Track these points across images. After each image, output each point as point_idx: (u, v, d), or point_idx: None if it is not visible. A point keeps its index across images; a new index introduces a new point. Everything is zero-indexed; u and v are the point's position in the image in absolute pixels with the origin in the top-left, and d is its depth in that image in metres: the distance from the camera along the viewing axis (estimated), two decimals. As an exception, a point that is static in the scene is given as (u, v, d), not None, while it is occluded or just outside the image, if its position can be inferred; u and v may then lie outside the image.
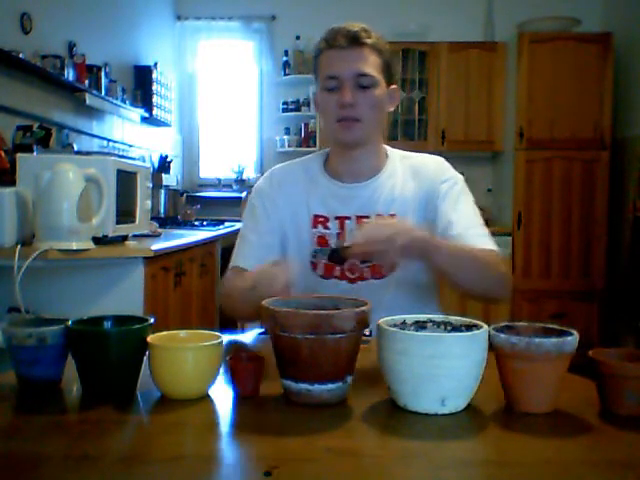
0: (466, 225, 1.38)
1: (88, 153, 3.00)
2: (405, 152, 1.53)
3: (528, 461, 0.73)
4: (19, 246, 1.89)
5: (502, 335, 0.88)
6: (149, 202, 2.57)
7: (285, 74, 4.90)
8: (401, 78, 4.71)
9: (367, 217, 1.42)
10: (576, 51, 4.29)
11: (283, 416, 0.89)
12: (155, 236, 2.81)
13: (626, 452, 0.76)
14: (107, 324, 1.00)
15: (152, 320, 0.97)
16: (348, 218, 1.42)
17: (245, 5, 4.97)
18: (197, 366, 0.91)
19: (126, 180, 2.32)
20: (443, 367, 0.84)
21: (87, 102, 3.25)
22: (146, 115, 4.13)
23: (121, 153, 3.76)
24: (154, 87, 4.22)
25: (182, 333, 0.99)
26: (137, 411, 0.92)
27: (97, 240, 2.07)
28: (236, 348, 1.04)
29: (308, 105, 4.84)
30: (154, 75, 4.24)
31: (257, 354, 0.98)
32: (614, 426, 0.83)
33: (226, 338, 0.98)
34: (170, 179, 4.46)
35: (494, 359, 0.89)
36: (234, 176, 5.00)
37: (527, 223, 4.37)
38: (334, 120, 1.37)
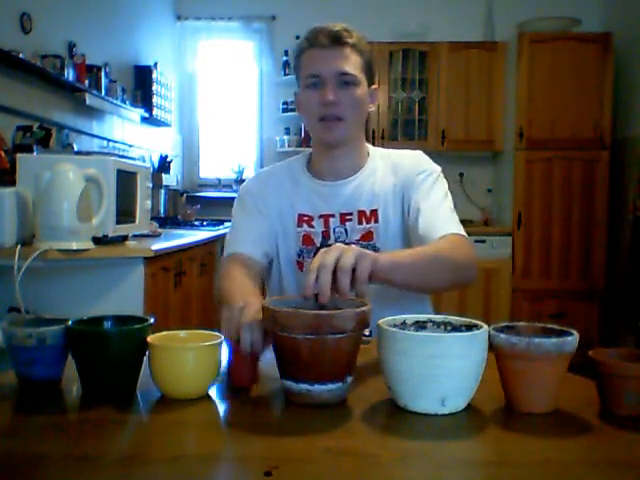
0: (433, 211, 1.37)
1: (88, 153, 3.00)
2: (387, 150, 1.55)
3: (528, 461, 0.73)
4: (19, 246, 1.89)
5: (502, 335, 0.88)
6: (149, 202, 2.57)
7: (285, 74, 4.90)
8: (401, 78, 4.72)
9: (350, 214, 1.43)
10: (576, 51, 4.29)
11: (283, 416, 0.89)
12: (155, 236, 2.81)
13: (626, 452, 0.76)
14: (107, 324, 1.00)
15: (152, 320, 0.97)
16: (332, 216, 1.43)
17: (245, 5, 4.97)
18: (197, 366, 0.91)
19: (126, 180, 2.32)
20: (443, 367, 0.84)
21: (87, 102, 3.25)
22: (146, 115, 4.13)
23: (121, 153, 3.76)
24: (154, 87, 4.22)
25: (182, 333, 0.99)
26: (137, 411, 0.92)
27: (97, 240, 2.07)
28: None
29: (308, 105, 4.83)
30: (154, 75, 4.24)
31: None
32: (614, 426, 0.83)
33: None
34: (170, 179, 4.46)
35: (494, 359, 0.89)
36: (234, 176, 5.00)
37: (527, 223, 4.37)
38: (316, 119, 1.37)
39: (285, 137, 4.96)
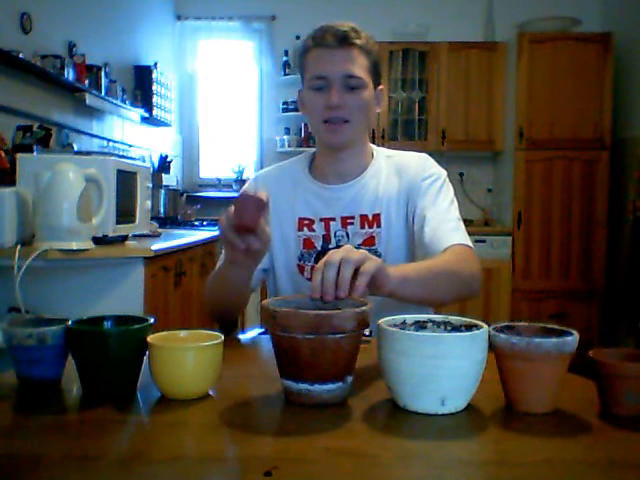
0: (440, 220, 1.35)
1: (88, 153, 3.00)
2: (391, 151, 1.52)
3: (528, 461, 0.73)
4: (19, 246, 1.89)
5: (502, 335, 0.88)
6: (149, 202, 2.57)
7: (285, 74, 4.90)
8: (401, 78, 4.72)
9: (352, 218, 1.41)
10: (576, 51, 4.30)
11: (283, 416, 0.89)
12: (155, 236, 2.81)
13: (626, 452, 0.76)
14: (107, 324, 1.00)
15: (152, 320, 0.96)
16: (333, 219, 1.42)
17: (245, 5, 4.97)
18: (197, 366, 0.91)
19: (126, 180, 2.32)
20: (443, 367, 0.84)
21: (87, 102, 3.25)
22: (146, 115, 4.13)
23: (121, 153, 3.76)
24: (154, 87, 4.22)
25: (182, 333, 0.99)
26: (137, 411, 0.92)
27: (97, 240, 2.07)
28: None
29: (308, 105, 4.84)
30: (154, 75, 4.24)
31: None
32: (614, 426, 0.83)
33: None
34: (170, 179, 4.46)
35: (494, 359, 0.89)
36: (234, 176, 5.00)
37: (527, 223, 4.37)
38: (320, 121, 1.35)
39: (285, 137, 4.96)
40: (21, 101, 2.87)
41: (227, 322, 1.39)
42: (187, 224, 3.96)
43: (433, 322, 0.97)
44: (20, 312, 1.78)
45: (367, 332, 1.16)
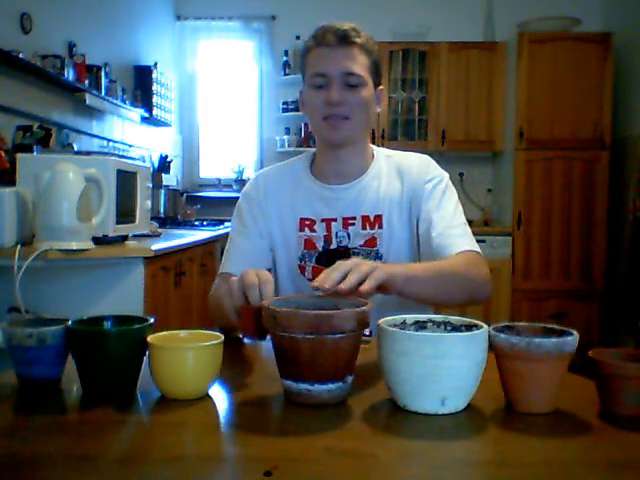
0: (447, 225, 1.36)
1: (88, 153, 3.00)
2: (390, 151, 1.51)
3: (528, 461, 0.73)
4: (19, 246, 1.89)
5: (502, 335, 0.88)
6: (149, 202, 2.57)
7: (285, 74, 4.90)
8: (401, 78, 4.72)
9: (353, 219, 1.41)
10: (576, 51, 4.30)
11: (283, 416, 0.89)
12: (155, 236, 2.81)
13: (626, 452, 0.76)
14: (107, 324, 1.00)
15: (152, 320, 0.96)
16: (334, 220, 1.41)
17: (245, 5, 4.97)
18: (197, 366, 0.91)
19: (126, 180, 2.32)
20: (443, 367, 0.84)
21: (87, 102, 3.25)
22: (146, 115, 4.13)
23: (121, 153, 3.76)
24: (154, 87, 4.22)
25: (182, 333, 0.99)
26: (137, 411, 0.92)
27: (97, 240, 2.07)
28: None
29: (308, 105, 4.83)
30: (154, 75, 4.24)
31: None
32: (614, 426, 0.83)
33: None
34: (170, 179, 4.46)
35: (494, 359, 0.89)
36: (234, 176, 5.00)
37: (527, 223, 4.37)
38: (320, 118, 1.35)
39: (285, 137, 4.96)
40: (21, 101, 2.87)
41: (231, 329, 1.40)
42: (187, 224, 3.96)
43: (433, 322, 0.97)
44: (20, 312, 1.78)
45: (367, 332, 1.16)
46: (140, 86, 4.18)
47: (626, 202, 4.06)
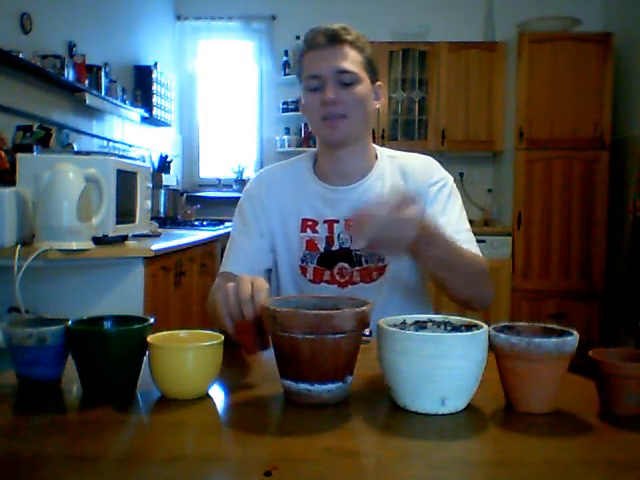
0: (453, 230, 1.35)
1: (88, 153, 3.00)
2: (393, 151, 1.51)
3: (528, 461, 0.73)
4: (19, 246, 1.89)
5: (502, 335, 0.88)
6: (149, 202, 2.57)
7: (285, 74, 4.90)
8: (401, 78, 4.72)
9: None
10: (576, 51, 4.30)
11: (283, 416, 0.89)
12: (155, 236, 2.81)
13: (626, 452, 0.76)
14: (107, 324, 1.00)
15: (152, 320, 0.96)
16: (337, 221, 1.41)
17: (245, 5, 4.97)
18: (197, 366, 0.91)
19: (126, 180, 2.32)
20: (443, 367, 0.84)
21: (87, 102, 3.26)
22: (146, 115, 4.13)
23: (121, 153, 3.76)
24: (154, 87, 4.22)
25: (182, 333, 0.99)
26: (137, 411, 0.92)
27: (97, 240, 2.07)
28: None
29: (308, 105, 4.84)
30: (154, 75, 4.24)
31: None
32: (614, 426, 0.83)
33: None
34: (170, 179, 4.46)
35: (494, 359, 0.89)
36: (234, 176, 5.00)
37: (527, 223, 4.37)
38: (319, 119, 1.35)
39: (285, 137, 4.96)
40: (21, 101, 2.87)
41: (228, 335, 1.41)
42: (187, 224, 3.96)
43: (433, 322, 0.97)
44: (20, 312, 1.78)
45: (367, 332, 1.16)
46: (140, 86, 4.19)
47: (626, 202, 4.06)
